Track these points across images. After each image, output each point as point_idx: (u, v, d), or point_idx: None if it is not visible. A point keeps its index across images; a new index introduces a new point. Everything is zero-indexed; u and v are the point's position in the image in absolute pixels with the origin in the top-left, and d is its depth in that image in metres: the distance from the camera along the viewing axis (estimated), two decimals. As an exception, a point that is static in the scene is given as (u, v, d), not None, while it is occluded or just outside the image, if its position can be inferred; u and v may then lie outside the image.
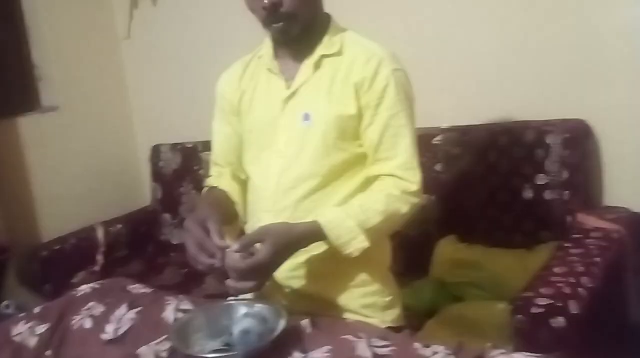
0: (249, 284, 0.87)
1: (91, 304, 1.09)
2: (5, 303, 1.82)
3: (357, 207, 0.95)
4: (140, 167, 2.51)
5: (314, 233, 0.93)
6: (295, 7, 0.94)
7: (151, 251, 2.28)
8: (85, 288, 1.18)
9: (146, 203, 2.42)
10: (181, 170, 2.23)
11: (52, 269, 2.01)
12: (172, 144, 2.29)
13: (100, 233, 2.15)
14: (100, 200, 2.34)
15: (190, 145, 2.23)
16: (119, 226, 2.23)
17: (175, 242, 2.26)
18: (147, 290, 1.16)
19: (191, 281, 1.88)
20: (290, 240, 0.90)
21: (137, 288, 1.17)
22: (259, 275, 0.88)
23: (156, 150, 2.33)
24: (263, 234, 0.90)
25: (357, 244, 0.93)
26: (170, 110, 2.41)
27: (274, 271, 0.92)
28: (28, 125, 2.14)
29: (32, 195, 2.15)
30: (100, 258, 2.13)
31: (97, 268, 2.10)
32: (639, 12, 1.27)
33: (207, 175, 2.07)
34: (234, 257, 0.87)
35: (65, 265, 2.03)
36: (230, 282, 0.88)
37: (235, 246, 0.87)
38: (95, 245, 2.14)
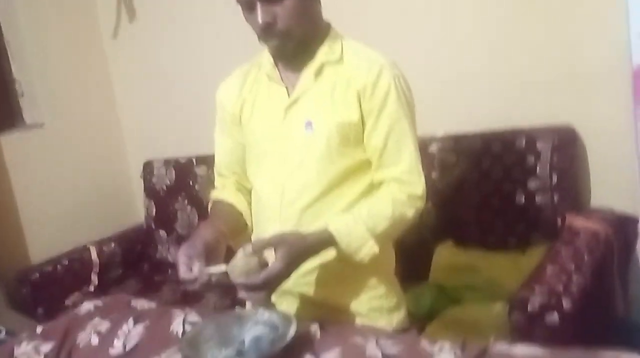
0: (261, 293, 0.89)
1: (95, 320, 1.09)
2: (-5, 328, 1.77)
3: (365, 213, 0.97)
4: (132, 184, 2.47)
5: (325, 242, 0.95)
6: (289, 25, 0.94)
7: (147, 269, 2.25)
8: (87, 306, 1.17)
9: (139, 220, 2.38)
10: (175, 186, 2.21)
11: (44, 292, 1.97)
12: (165, 159, 2.26)
13: (94, 253, 2.13)
14: (92, 219, 2.29)
15: (183, 160, 2.21)
16: (113, 245, 2.20)
17: (171, 259, 2.23)
18: (152, 305, 1.16)
19: (190, 298, 1.84)
20: (302, 250, 0.92)
21: (141, 304, 1.17)
22: (271, 285, 0.90)
23: (148, 166, 2.29)
24: (277, 242, 0.90)
25: (368, 250, 0.95)
26: (161, 125, 2.37)
27: (285, 280, 0.93)
28: (11, 144, 2.07)
29: (19, 216, 2.09)
30: (94, 278, 2.10)
31: (91, 288, 2.08)
32: (624, 23, 1.34)
33: (202, 190, 2.11)
34: (247, 262, 0.87)
35: (58, 286, 2.00)
36: (242, 294, 0.89)
37: (248, 248, 0.88)
38: (89, 265, 2.11)
